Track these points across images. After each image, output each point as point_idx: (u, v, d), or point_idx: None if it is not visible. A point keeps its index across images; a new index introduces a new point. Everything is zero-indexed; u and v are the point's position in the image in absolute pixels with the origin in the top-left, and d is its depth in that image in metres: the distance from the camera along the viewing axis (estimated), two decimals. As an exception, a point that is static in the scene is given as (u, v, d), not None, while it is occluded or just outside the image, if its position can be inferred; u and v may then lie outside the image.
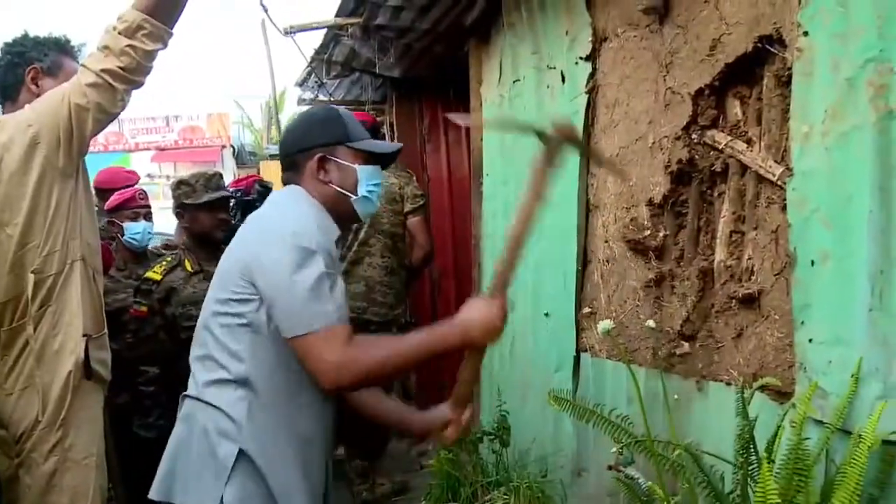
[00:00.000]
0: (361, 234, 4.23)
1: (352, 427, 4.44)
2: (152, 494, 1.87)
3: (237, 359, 1.81)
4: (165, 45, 2.44)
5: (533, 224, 1.92)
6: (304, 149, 1.97)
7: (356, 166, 1.98)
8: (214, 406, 1.82)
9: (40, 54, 2.55)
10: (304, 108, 7.14)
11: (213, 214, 3.39)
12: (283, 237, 1.78)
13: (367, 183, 2.00)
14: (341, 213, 1.99)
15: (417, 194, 4.31)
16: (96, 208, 4.55)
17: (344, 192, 1.97)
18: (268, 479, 1.80)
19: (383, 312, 4.21)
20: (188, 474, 1.82)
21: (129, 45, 2.33)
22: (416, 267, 4.54)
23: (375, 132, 4.75)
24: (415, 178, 4.68)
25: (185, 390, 1.94)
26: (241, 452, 1.78)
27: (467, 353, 1.95)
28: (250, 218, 2.01)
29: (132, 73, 2.38)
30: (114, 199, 3.87)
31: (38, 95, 2.48)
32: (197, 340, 1.92)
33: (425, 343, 1.87)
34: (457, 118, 3.31)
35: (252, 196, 4.35)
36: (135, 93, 2.45)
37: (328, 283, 1.77)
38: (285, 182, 2.02)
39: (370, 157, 2.03)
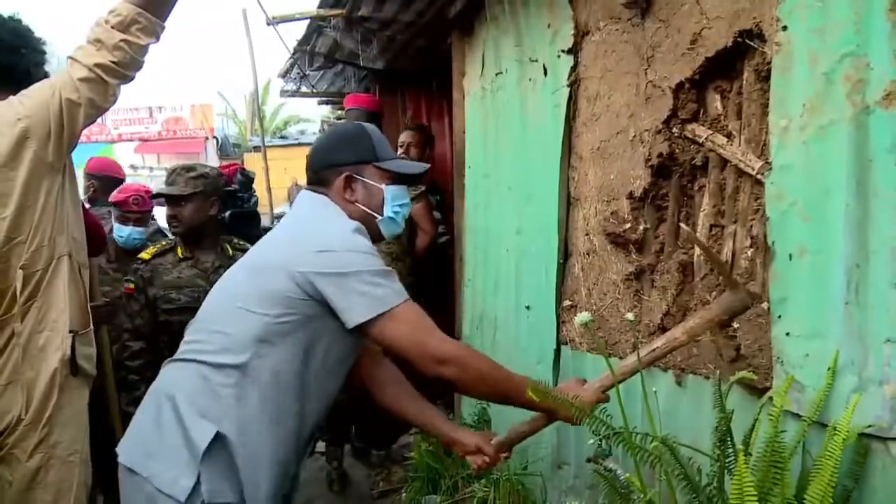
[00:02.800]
0: None
1: (363, 417, 4.50)
2: (121, 457, 1.87)
3: (252, 348, 1.82)
4: (158, 39, 2.43)
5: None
6: (331, 165, 2.00)
7: (383, 186, 2.01)
8: (206, 379, 1.82)
9: None
10: (287, 99, 7.11)
11: (169, 208, 3.40)
12: (336, 248, 1.81)
13: (393, 203, 2.04)
14: (366, 230, 1.98)
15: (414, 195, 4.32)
16: (91, 195, 4.57)
17: (369, 211, 2.01)
18: (240, 470, 1.79)
19: None
20: (162, 448, 1.80)
21: (122, 40, 2.32)
22: (422, 253, 4.55)
23: (379, 118, 4.76)
24: None
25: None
26: (218, 435, 1.77)
27: (542, 415, 2.04)
28: (291, 222, 2.03)
29: (125, 68, 2.36)
30: (114, 195, 3.92)
31: None
32: (215, 314, 1.93)
33: (522, 390, 1.89)
34: None
35: (234, 186, 4.33)
36: (119, 84, 2.43)
37: (387, 273, 1.83)
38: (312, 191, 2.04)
39: (397, 177, 2.06)
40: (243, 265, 2.00)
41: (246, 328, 1.83)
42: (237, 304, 1.86)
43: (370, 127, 2.11)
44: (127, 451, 1.88)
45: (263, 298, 1.83)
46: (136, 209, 3.89)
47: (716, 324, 1.96)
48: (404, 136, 4.90)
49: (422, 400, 2.26)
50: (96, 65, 2.31)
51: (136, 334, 3.39)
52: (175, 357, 1.95)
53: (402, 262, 4.29)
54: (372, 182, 2.01)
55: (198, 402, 1.81)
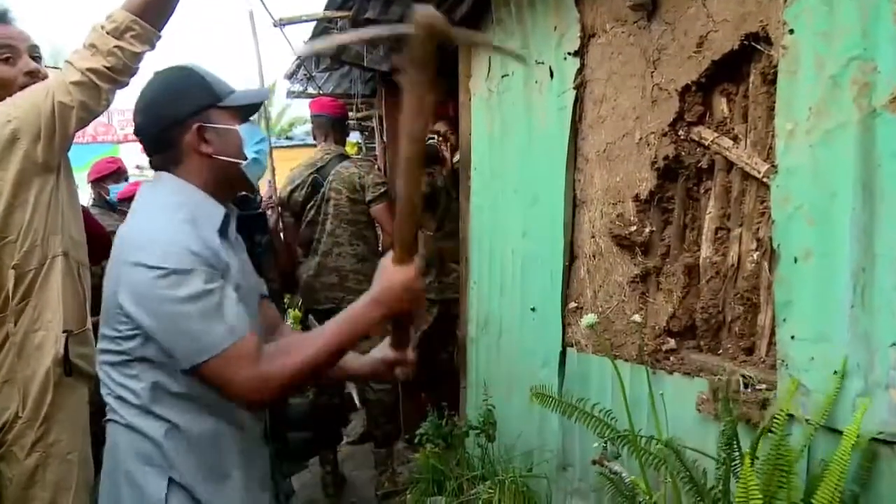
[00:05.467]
0: (328, 225, 4.27)
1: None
2: None
3: (139, 396, 1.64)
4: (153, 47, 2.44)
5: (419, 167, 1.60)
6: (173, 122, 1.70)
7: (236, 127, 1.76)
8: (135, 430, 1.66)
9: None
10: (293, 100, 7.12)
11: None
12: (150, 263, 1.54)
13: (252, 142, 1.79)
14: (230, 184, 1.80)
15: (378, 182, 4.31)
16: (92, 201, 4.59)
17: (231, 159, 1.75)
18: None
19: None
20: None
21: (116, 46, 2.33)
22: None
23: (344, 120, 4.77)
24: (376, 166, 4.71)
25: None
26: (171, 481, 1.64)
27: (390, 326, 1.83)
28: (119, 235, 1.69)
29: (118, 74, 2.37)
30: (119, 193, 3.92)
31: None
32: (101, 376, 1.73)
33: (345, 328, 1.66)
34: None
35: None
36: (126, 83, 2.44)
37: (215, 300, 1.56)
38: (157, 167, 1.76)
39: (245, 113, 1.81)
40: None
41: (123, 381, 1.66)
42: (102, 360, 1.70)
43: (194, 65, 1.80)
44: None
45: (111, 336, 1.65)
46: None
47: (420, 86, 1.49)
48: (440, 126, 4.93)
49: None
50: (89, 69, 2.33)
51: None
52: (109, 417, 1.76)
53: (370, 262, 4.26)
54: (224, 125, 1.73)
55: (143, 450, 1.67)
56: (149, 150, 1.77)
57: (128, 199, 3.92)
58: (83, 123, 2.39)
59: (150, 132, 1.74)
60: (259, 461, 1.84)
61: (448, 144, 4.90)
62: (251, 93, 1.87)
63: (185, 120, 1.70)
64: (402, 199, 1.60)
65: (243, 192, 4.21)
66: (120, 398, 1.68)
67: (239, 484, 1.74)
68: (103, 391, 1.73)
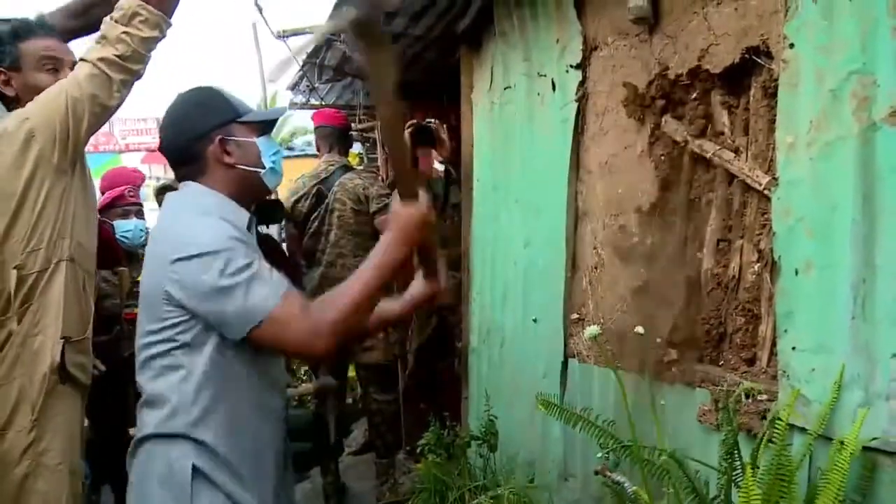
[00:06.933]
0: (332, 236, 4.28)
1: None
2: None
3: (180, 385, 1.77)
4: (163, 34, 2.43)
5: (398, 123, 1.84)
6: (198, 136, 1.88)
7: (254, 139, 1.93)
8: (171, 436, 1.77)
9: None
10: (294, 111, 7.14)
11: None
12: (196, 252, 1.69)
13: (269, 153, 1.96)
14: (250, 191, 1.95)
15: (383, 194, 4.33)
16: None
17: (251, 169, 1.92)
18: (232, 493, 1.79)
19: None
20: None
21: (124, 33, 2.33)
22: None
23: (347, 132, 4.78)
24: (380, 177, 4.71)
25: None
26: (195, 469, 1.75)
27: (416, 256, 1.99)
28: (155, 235, 1.90)
29: (128, 61, 2.36)
30: (103, 198, 3.87)
31: (17, 97, 2.46)
32: (139, 375, 1.85)
33: (377, 271, 1.79)
34: None
35: None
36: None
37: (255, 269, 1.72)
38: (182, 178, 1.94)
39: (262, 127, 1.98)
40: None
41: (167, 373, 1.78)
42: (145, 352, 1.82)
43: (214, 86, 2.00)
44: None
45: (155, 330, 1.79)
46: (133, 199, 3.88)
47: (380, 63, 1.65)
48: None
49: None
50: (99, 59, 2.33)
51: None
52: (140, 436, 1.87)
53: None
54: (243, 138, 1.91)
55: (177, 454, 1.77)
56: (175, 162, 1.94)
57: (117, 198, 3.86)
58: (97, 119, 2.38)
59: (178, 145, 1.91)
60: (279, 457, 1.97)
61: (445, 127, 4.82)
62: (268, 111, 2.10)
63: (208, 133, 1.87)
64: (392, 150, 1.94)
65: (272, 198, 4.22)
66: (159, 386, 1.80)
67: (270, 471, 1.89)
68: (142, 379, 1.84)
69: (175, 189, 2.05)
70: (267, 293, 1.70)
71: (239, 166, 1.90)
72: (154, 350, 1.79)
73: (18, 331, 2.33)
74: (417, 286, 2.12)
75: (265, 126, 2.00)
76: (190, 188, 1.90)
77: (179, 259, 1.71)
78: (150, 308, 1.81)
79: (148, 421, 1.81)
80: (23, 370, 2.34)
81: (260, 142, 1.94)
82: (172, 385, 1.77)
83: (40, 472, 2.35)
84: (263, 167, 1.94)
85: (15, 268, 2.31)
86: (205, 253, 1.69)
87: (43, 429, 2.36)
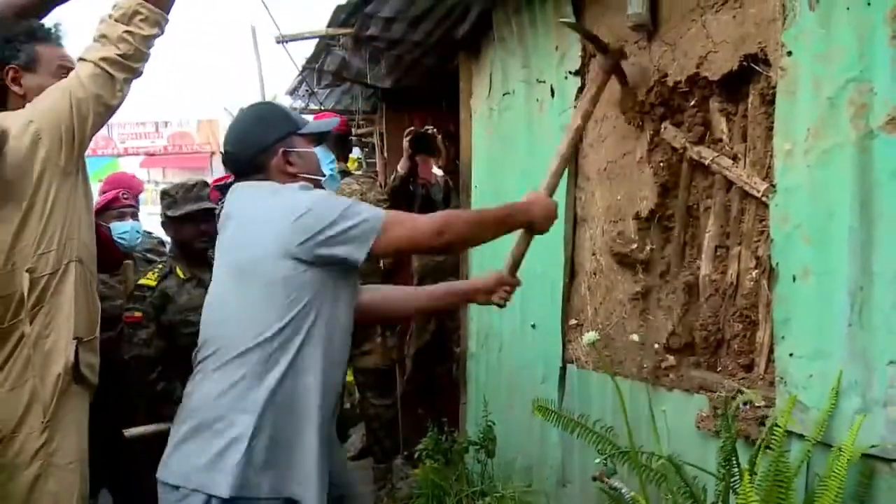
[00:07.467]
0: None
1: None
2: (163, 476, 1.91)
3: (277, 337, 1.86)
4: (162, 31, 2.43)
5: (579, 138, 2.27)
6: (263, 148, 2.02)
7: (313, 149, 2.10)
8: (233, 380, 1.86)
9: (13, 51, 2.44)
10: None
11: (193, 226, 3.34)
12: (306, 207, 1.86)
13: (326, 161, 2.14)
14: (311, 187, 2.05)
15: (380, 199, 4.31)
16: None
17: (312, 177, 2.06)
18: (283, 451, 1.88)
19: None
20: (204, 456, 1.84)
21: (126, 31, 2.33)
22: (390, 269, 4.57)
23: (347, 137, 4.79)
24: (378, 183, 4.72)
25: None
26: (255, 427, 1.82)
27: (522, 233, 2.33)
28: (249, 213, 2.00)
29: (130, 60, 2.37)
30: (98, 202, 3.85)
31: (24, 96, 2.46)
32: (223, 327, 1.94)
33: (501, 215, 2.16)
34: None
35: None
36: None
37: (350, 202, 1.91)
38: None
39: (317, 138, 2.15)
40: (227, 274, 2.00)
41: (263, 323, 1.86)
42: (246, 310, 1.90)
43: (275, 102, 2.20)
44: (169, 469, 1.90)
45: (269, 293, 1.87)
46: (127, 202, 3.87)
47: (602, 85, 2.47)
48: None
49: (421, 288, 2.57)
50: (102, 59, 2.32)
51: (146, 363, 3.23)
52: (196, 372, 1.97)
53: (372, 279, 4.22)
54: (303, 149, 2.07)
55: (227, 404, 1.85)
56: (240, 174, 2.08)
57: (111, 201, 3.85)
58: (100, 119, 2.37)
59: (244, 157, 2.05)
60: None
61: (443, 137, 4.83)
62: (322, 122, 2.32)
63: (272, 145, 2.02)
64: (559, 155, 2.46)
65: None
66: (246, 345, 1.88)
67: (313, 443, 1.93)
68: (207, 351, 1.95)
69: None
70: (369, 214, 1.90)
71: (301, 175, 2.03)
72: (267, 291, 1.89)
73: (30, 333, 2.32)
74: (495, 276, 2.38)
75: (320, 137, 2.15)
76: (260, 182, 2.02)
77: (299, 217, 1.85)
78: (260, 270, 1.89)
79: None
80: (34, 372, 2.33)
81: (318, 151, 2.10)
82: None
83: (51, 472, 2.34)
84: (323, 175, 2.11)
85: (27, 271, 2.30)
86: (314, 206, 1.86)
87: (54, 429, 2.35)
